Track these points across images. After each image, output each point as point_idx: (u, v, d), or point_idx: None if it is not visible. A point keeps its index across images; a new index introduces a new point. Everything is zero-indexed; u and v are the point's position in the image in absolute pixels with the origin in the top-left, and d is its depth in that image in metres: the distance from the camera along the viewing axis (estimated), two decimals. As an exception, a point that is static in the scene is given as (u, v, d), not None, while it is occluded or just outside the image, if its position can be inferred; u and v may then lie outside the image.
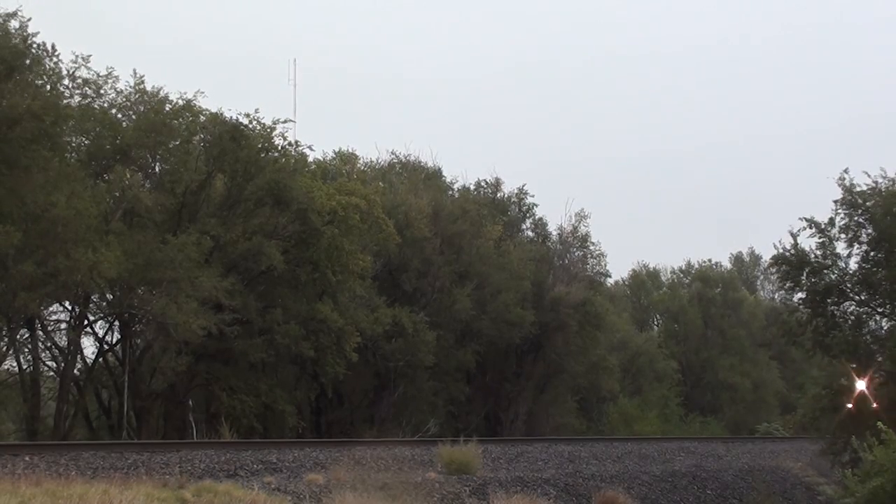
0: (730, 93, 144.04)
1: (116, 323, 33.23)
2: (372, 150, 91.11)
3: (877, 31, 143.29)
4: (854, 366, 44.76)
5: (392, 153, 50.46)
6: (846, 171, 32.16)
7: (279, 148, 35.17)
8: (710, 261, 75.63)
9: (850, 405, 46.29)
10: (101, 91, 31.89)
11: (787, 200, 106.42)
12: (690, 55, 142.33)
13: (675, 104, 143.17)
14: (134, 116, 32.96)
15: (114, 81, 32.21)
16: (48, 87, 28.65)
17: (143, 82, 33.20)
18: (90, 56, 30.30)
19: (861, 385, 45.79)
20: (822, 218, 32.59)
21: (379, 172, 48.10)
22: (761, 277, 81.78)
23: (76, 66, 30.05)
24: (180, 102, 33.12)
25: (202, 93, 33.37)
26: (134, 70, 33.61)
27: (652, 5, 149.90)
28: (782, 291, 37.04)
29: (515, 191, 53.16)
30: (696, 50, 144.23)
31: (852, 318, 33.06)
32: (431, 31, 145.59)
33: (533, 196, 53.36)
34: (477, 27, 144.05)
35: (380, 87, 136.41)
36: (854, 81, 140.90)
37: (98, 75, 31.50)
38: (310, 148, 37.37)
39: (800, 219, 32.52)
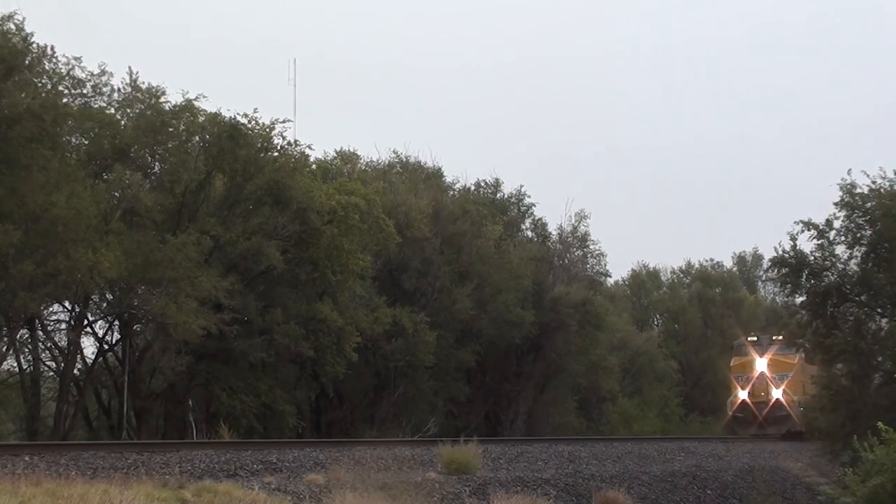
0: (733, 89, 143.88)
1: (116, 323, 33.24)
2: (372, 150, 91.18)
3: (882, 22, 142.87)
4: (755, 338, 44.40)
5: (394, 152, 50.55)
6: (849, 172, 32.21)
7: (278, 148, 35.21)
8: (712, 260, 75.84)
9: (745, 397, 43.63)
10: (97, 89, 31.77)
11: (791, 200, 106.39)
12: (692, 50, 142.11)
13: (678, 102, 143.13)
14: (132, 115, 32.95)
15: (108, 78, 32.04)
16: (48, 86, 28.61)
17: (137, 79, 33.19)
18: (81, 57, 30.18)
19: (762, 365, 43.63)
20: (822, 219, 32.64)
21: (380, 172, 48.15)
22: (763, 277, 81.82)
23: (69, 67, 29.91)
24: (180, 102, 33.13)
25: (204, 95, 33.44)
26: (129, 67, 33.65)
27: None
28: (783, 295, 36.96)
29: (514, 191, 53.37)
30: (698, 45, 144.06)
31: (852, 319, 33.05)
32: (430, 30, 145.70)
33: (531, 196, 53.66)
34: (477, 24, 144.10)
35: (380, 87, 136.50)
36: (865, 78, 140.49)
37: (92, 74, 31.38)
38: (309, 147, 37.44)
39: (796, 222, 32.54)
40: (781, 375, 44.82)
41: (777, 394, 44.51)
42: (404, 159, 50.13)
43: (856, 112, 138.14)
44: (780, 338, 44.66)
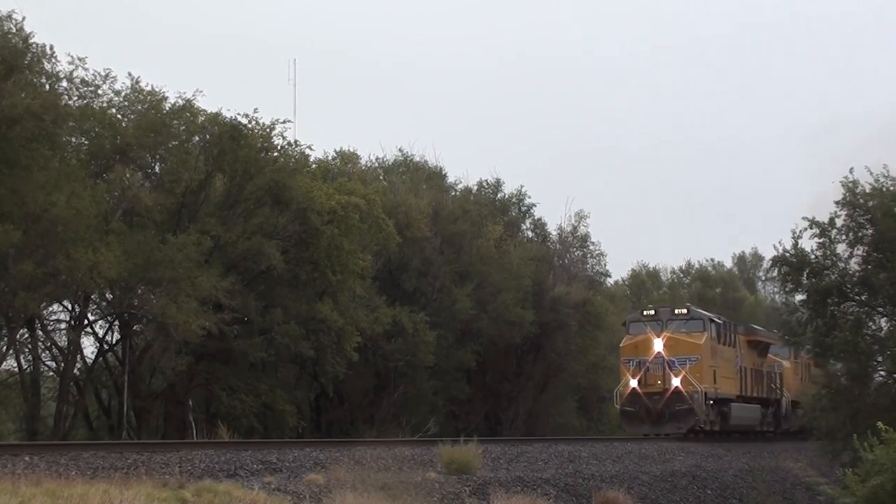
0: (733, 89, 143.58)
1: (116, 323, 33.24)
2: (373, 149, 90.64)
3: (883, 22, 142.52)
4: (652, 311, 37.37)
5: (399, 150, 50.47)
6: (851, 170, 32.30)
7: (279, 148, 35.24)
8: (713, 260, 75.93)
9: (635, 386, 35.53)
10: (100, 91, 31.83)
11: (791, 200, 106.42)
12: (694, 49, 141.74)
13: (678, 102, 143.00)
14: (133, 116, 32.96)
15: (111, 82, 32.14)
16: (47, 86, 28.62)
17: (139, 83, 33.22)
18: (86, 58, 30.28)
19: (659, 345, 35.16)
20: (824, 219, 32.71)
21: (384, 170, 48.21)
22: (763, 277, 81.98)
23: (73, 67, 29.98)
24: (180, 102, 33.12)
25: (201, 92, 33.41)
26: (129, 73, 33.64)
27: None
28: (783, 293, 36.92)
29: (515, 191, 53.39)
30: (699, 43, 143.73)
31: (852, 318, 33.09)
32: (431, 30, 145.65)
33: (531, 196, 53.71)
34: (479, 25, 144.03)
35: (381, 86, 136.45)
36: (865, 77, 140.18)
37: (97, 75, 31.47)
38: (309, 147, 37.46)
39: (803, 218, 32.68)
40: (683, 359, 35.83)
41: (675, 382, 35.46)
42: (409, 157, 50.12)
43: (856, 112, 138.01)
44: (685, 311, 37.30)
